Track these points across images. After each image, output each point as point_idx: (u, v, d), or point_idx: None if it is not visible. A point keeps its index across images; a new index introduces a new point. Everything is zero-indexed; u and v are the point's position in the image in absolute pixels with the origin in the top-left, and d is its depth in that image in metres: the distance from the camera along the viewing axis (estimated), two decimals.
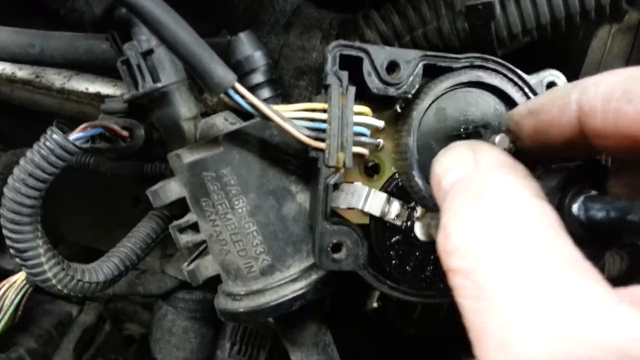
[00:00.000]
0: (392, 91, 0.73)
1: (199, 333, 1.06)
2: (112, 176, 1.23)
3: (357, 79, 0.73)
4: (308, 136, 0.71)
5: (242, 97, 0.68)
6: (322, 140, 0.71)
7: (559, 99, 0.57)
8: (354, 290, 1.14)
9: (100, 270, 0.87)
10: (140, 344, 1.74)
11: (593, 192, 0.70)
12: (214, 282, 0.87)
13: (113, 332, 1.77)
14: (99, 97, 1.21)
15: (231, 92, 0.67)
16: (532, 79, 0.77)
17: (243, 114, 0.80)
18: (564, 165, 0.71)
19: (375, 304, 1.11)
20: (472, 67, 0.75)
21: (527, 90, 0.77)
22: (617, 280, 1.04)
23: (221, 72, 0.64)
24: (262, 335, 1.09)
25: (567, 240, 0.46)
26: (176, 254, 1.08)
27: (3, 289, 0.99)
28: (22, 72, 1.29)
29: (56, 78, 1.24)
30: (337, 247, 0.73)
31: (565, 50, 1.00)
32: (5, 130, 1.58)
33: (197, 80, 0.65)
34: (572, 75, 0.99)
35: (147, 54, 0.76)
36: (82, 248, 1.77)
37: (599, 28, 0.98)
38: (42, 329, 1.60)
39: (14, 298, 1.00)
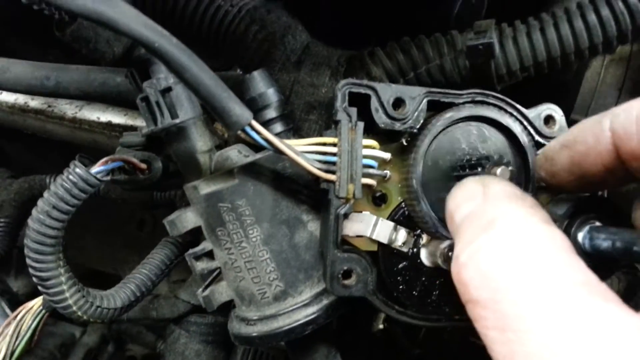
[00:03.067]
0: (398, 126, 0.77)
1: (211, 356, 1.09)
2: (122, 202, 1.27)
3: (364, 113, 0.77)
4: (319, 169, 0.75)
5: (258, 132, 0.72)
6: (333, 172, 0.75)
7: (591, 128, 0.60)
8: (360, 313, 1.17)
9: (118, 296, 0.90)
10: None
11: (598, 223, 0.75)
12: (225, 306, 0.90)
13: (116, 353, 1.78)
14: (110, 126, 1.25)
15: (247, 129, 0.71)
16: (530, 113, 0.82)
17: (255, 146, 0.84)
18: (571, 196, 0.75)
19: (381, 326, 1.14)
20: (474, 102, 0.79)
21: (526, 123, 0.81)
22: None
23: (239, 111, 0.68)
24: (273, 358, 1.12)
25: (580, 264, 0.47)
26: (188, 279, 1.12)
27: (20, 314, 1.02)
28: (35, 102, 1.33)
29: (68, 108, 1.28)
30: (347, 274, 0.77)
31: (560, 81, 1.04)
32: (17, 157, 1.61)
33: (216, 118, 0.69)
34: (568, 104, 1.04)
35: (166, 91, 0.80)
36: (87, 270, 1.79)
37: (592, 59, 1.03)
38: (45, 351, 1.61)
39: (31, 323, 1.02)
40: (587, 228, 0.74)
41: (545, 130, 0.82)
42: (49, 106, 1.30)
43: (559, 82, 1.03)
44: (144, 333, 1.77)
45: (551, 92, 0.88)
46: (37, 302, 1.03)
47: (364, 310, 1.16)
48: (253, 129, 0.71)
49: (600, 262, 0.72)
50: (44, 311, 1.03)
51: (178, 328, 1.09)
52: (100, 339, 1.77)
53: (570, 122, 0.99)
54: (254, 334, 0.83)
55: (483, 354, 1.12)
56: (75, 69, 1.06)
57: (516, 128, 0.80)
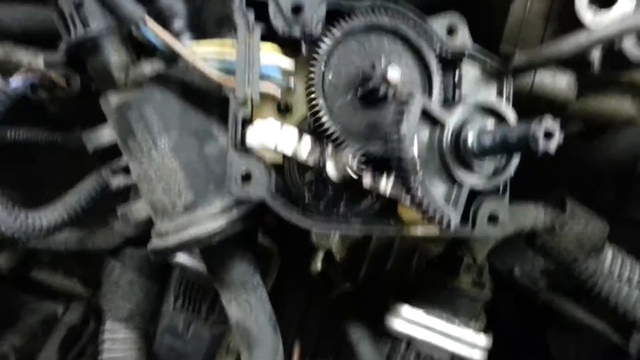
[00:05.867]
0: (296, 31, 0.78)
1: (143, 287, 1.11)
2: (79, 150, 1.30)
3: (267, 24, 0.78)
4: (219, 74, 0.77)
5: (154, 33, 0.74)
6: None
7: None
8: (299, 254, 1.18)
9: (44, 216, 0.92)
10: None
11: (489, 128, 0.77)
12: None
13: (98, 330, 1.80)
14: None
15: (143, 28, 0.73)
16: (433, 22, 0.83)
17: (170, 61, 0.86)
18: (465, 105, 0.78)
19: (319, 265, 1.15)
20: (374, 11, 0.81)
21: (428, 32, 0.82)
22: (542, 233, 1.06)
23: (131, 7, 0.71)
24: (204, 288, 1.14)
25: None
26: None
27: None
28: None
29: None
30: (247, 177, 0.77)
31: (487, 10, 1.05)
32: None
33: (110, 15, 0.72)
34: (496, 33, 1.04)
35: (79, 5, 0.83)
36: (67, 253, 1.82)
37: None
38: (27, 326, 1.63)
39: None
40: (475, 131, 0.76)
41: (447, 40, 0.84)
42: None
43: (485, 10, 1.04)
44: None
45: (478, 20, 0.88)
46: None
47: (302, 252, 1.17)
48: (149, 29, 0.74)
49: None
50: None
51: (113, 260, 1.11)
52: (83, 316, 1.77)
53: (501, 53, 1.00)
54: (165, 246, 0.85)
55: (417, 291, 1.12)
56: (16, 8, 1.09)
57: (415, 37, 0.81)
